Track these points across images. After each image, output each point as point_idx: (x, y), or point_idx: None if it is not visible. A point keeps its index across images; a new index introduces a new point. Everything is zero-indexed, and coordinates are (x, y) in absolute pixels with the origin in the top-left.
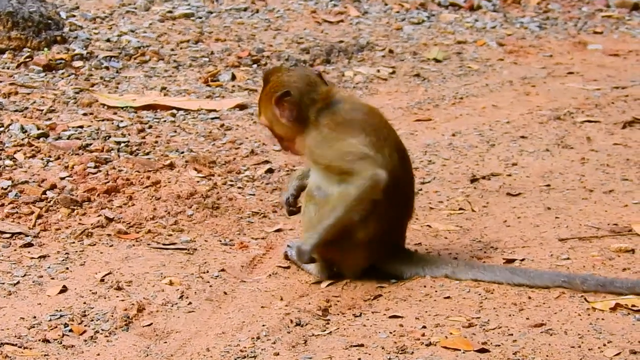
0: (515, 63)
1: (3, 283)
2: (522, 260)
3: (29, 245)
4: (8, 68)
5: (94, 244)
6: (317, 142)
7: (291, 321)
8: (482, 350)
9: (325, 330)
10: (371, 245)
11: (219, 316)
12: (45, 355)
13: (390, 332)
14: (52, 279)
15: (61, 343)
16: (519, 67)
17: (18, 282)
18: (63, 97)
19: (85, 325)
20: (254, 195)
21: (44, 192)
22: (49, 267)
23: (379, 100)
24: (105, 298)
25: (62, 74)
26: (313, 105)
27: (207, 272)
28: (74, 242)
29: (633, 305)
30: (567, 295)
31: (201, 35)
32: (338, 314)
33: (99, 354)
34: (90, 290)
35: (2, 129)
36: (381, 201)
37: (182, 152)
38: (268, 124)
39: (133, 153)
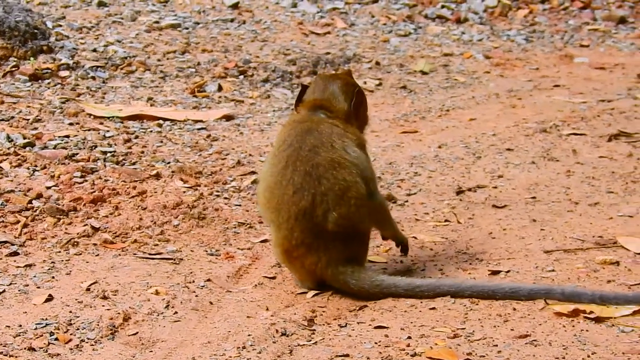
0: (501, 76)
1: None
2: (507, 271)
3: (15, 254)
4: None
5: (80, 254)
6: None
7: (277, 331)
8: None
9: (310, 340)
10: None
11: (205, 326)
12: None
13: (376, 343)
14: (38, 287)
15: (47, 351)
16: (505, 79)
17: (4, 291)
18: (49, 107)
19: (71, 334)
20: (240, 205)
21: (30, 202)
22: (34, 276)
23: None
24: (91, 307)
25: (49, 83)
26: (305, 103)
27: (193, 282)
28: (59, 252)
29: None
30: (552, 309)
31: (188, 45)
32: (323, 324)
33: None
34: (76, 299)
35: None
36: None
37: (169, 163)
38: None
39: (119, 163)
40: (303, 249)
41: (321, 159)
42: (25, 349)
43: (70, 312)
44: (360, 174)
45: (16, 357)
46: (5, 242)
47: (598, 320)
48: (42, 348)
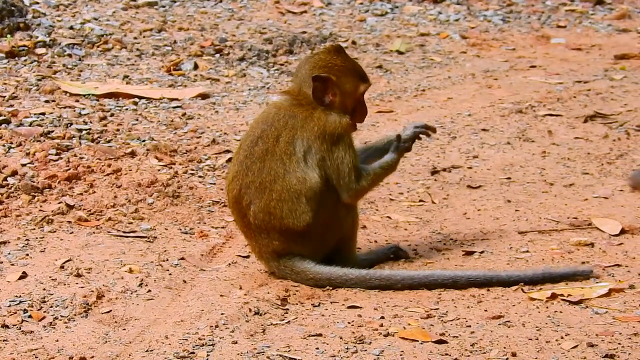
0: (477, 56)
1: None
2: (482, 252)
3: None
4: None
5: (54, 231)
6: None
7: (250, 310)
8: (440, 342)
9: (283, 320)
10: None
11: (178, 304)
12: (4, 340)
13: (349, 323)
14: (12, 265)
15: (20, 329)
16: (481, 60)
17: None
18: (25, 84)
19: (44, 312)
20: (214, 184)
21: (5, 179)
22: (8, 253)
23: None
24: (64, 285)
25: (25, 60)
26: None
27: (167, 260)
28: (34, 229)
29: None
30: (525, 288)
31: (164, 24)
32: (297, 304)
33: (57, 340)
34: (50, 277)
35: None
36: None
37: (144, 141)
38: None
39: (94, 141)
40: (242, 236)
41: (257, 149)
42: None
43: (44, 289)
44: (307, 167)
45: None
46: None
47: (572, 302)
48: (15, 325)
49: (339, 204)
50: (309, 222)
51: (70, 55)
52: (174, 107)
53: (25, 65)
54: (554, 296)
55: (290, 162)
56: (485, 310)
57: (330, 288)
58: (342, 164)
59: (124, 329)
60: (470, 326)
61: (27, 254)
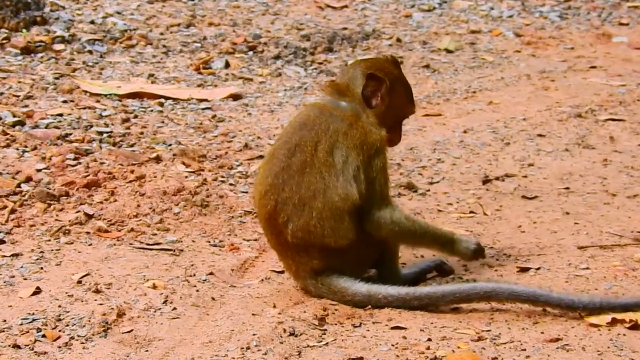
0: (533, 55)
1: None
2: (538, 269)
3: (1, 242)
4: None
5: (72, 243)
6: None
7: (284, 330)
8: None
9: (321, 341)
10: None
11: (206, 323)
12: None
13: (392, 345)
14: (25, 279)
15: (33, 349)
16: (537, 59)
17: None
18: (42, 83)
19: (59, 331)
20: (246, 192)
21: (19, 185)
22: (21, 267)
23: None
24: (82, 301)
25: (42, 57)
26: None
27: (194, 275)
28: (49, 240)
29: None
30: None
31: (193, 18)
32: (335, 324)
33: None
34: (66, 293)
35: None
36: None
37: (170, 145)
38: None
39: (116, 144)
40: (277, 254)
41: (294, 160)
42: (9, 346)
43: (60, 306)
44: (347, 181)
45: None
46: None
47: (635, 327)
48: (27, 345)
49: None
50: (352, 239)
51: (90, 52)
52: (203, 109)
53: (42, 63)
54: (614, 321)
55: (330, 176)
56: (542, 333)
57: (371, 307)
58: (373, 182)
59: (147, 351)
60: (525, 350)
61: (42, 268)
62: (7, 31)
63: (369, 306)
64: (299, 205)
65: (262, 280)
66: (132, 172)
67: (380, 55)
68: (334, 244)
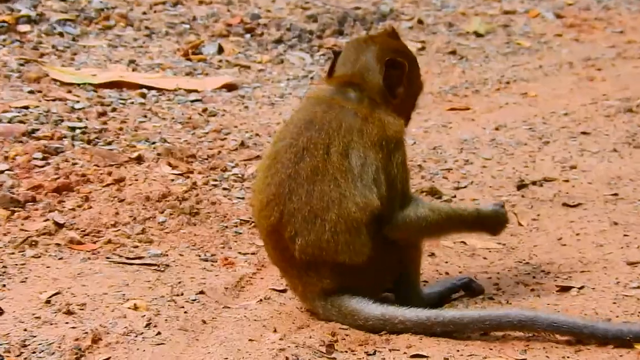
0: (576, 40)
1: None
2: (581, 288)
3: None
4: None
5: (39, 256)
6: None
7: (287, 359)
8: None
9: None
10: None
11: (195, 351)
12: None
13: None
14: None
15: None
16: (581, 45)
17: None
18: (4, 70)
19: (25, 359)
20: (242, 198)
21: None
22: None
23: None
24: (51, 324)
25: (4, 40)
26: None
27: (182, 294)
28: (13, 253)
29: None
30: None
31: None
32: (346, 351)
33: None
34: (33, 314)
35: None
36: None
37: (154, 143)
38: None
39: (91, 142)
40: (281, 271)
41: (303, 166)
42: None
43: (25, 330)
44: (367, 187)
45: None
46: None
47: None
48: None
49: None
50: (368, 255)
51: (61, 34)
52: (193, 101)
53: (4, 46)
54: None
55: (347, 183)
56: None
57: (387, 333)
58: (395, 180)
59: None
60: None
61: (4, 285)
62: None
63: (384, 332)
64: (310, 217)
65: (261, 300)
66: (109, 174)
67: (377, 30)
68: (348, 261)
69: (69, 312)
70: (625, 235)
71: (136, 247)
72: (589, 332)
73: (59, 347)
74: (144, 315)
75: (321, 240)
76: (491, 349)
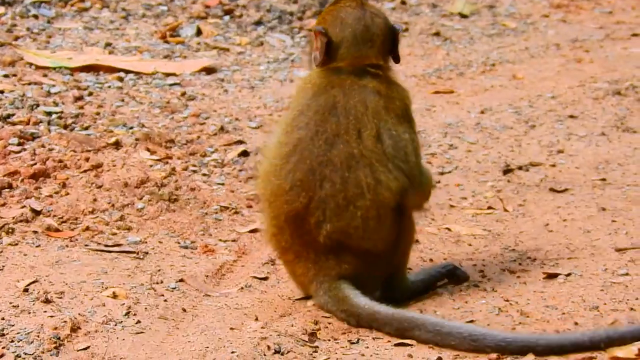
0: (563, 21)
1: None
2: (568, 275)
3: None
4: None
5: (16, 244)
6: None
7: (268, 347)
8: None
9: None
10: None
11: (176, 339)
12: None
13: None
14: None
15: None
16: (568, 26)
17: None
18: None
19: (3, 348)
20: (223, 184)
21: None
22: None
23: None
24: (29, 313)
25: None
26: (339, 61)
27: (161, 282)
28: None
29: None
30: (624, 323)
31: None
32: (329, 340)
33: None
34: (10, 303)
35: None
36: None
37: (131, 128)
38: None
39: (68, 127)
40: (292, 255)
41: (336, 153)
42: None
43: (3, 319)
44: (397, 168)
45: None
46: None
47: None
48: None
49: (411, 214)
50: (390, 242)
51: (36, 17)
52: (171, 85)
53: None
54: None
55: (382, 166)
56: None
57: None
58: (417, 144)
59: None
60: None
61: None
62: None
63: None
64: (343, 204)
65: (242, 288)
66: (86, 160)
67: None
68: (372, 247)
69: (47, 301)
70: (613, 221)
71: (115, 234)
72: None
73: (38, 336)
74: (123, 304)
75: (350, 226)
76: None
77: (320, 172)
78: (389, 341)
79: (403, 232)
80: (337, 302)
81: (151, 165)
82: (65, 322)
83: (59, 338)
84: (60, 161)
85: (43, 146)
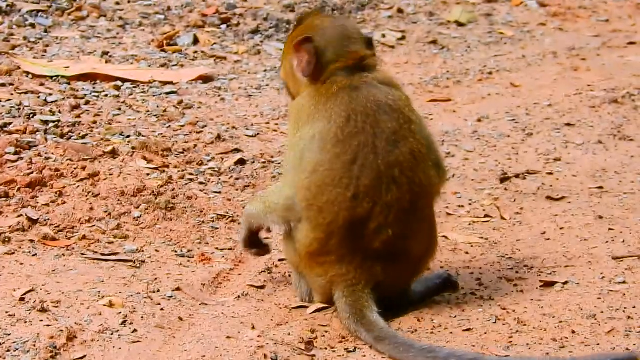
0: (560, 29)
1: None
2: (565, 283)
3: None
4: None
5: (12, 253)
6: None
7: (265, 356)
8: None
9: None
10: None
11: (172, 348)
12: None
13: None
14: None
15: None
16: (565, 34)
17: None
18: None
19: (0, 357)
20: (219, 193)
21: None
22: None
23: None
24: (25, 322)
25: None
26: (334, 63)
27: (158, 291)
28: None
29: None
30: (621, 332)
31: None
32: (326, 348)
33: None
34: (7, 312)
35: None
36: None
37: (128, 136)
38: (285, 79)
39: (64, 136)
40: (333, 258)
41: (400, 152)
42: None
43: None
44: (433, 161)
45: None
46: None
47: None
48: None
49: None
50: (434, 243)
51: (33, 26)
52: (168, 94)
53: None
54: None
55: (429, 160)
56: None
57: None
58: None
59: None
60: None
61: None
62: None
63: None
64: (408, 208)
65: (239, 297)
66: (83, 168)
67: (308, 17)
68: (417, 251)
69: (44, 310)
70: (610, 229)
71: (111, 243)
72: None
73: (34, 345)
74: (120, 313)
75: (410, 229)
76: (474, 345)
77: (387, 176)
78: None
79: (437, 234)
80: (354, 312)
81: (148, 174)
82: (61, 331)
83: (55, 347)
84: (57, 170)
85: (40, 155)
